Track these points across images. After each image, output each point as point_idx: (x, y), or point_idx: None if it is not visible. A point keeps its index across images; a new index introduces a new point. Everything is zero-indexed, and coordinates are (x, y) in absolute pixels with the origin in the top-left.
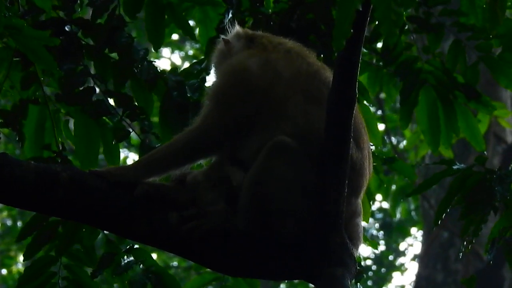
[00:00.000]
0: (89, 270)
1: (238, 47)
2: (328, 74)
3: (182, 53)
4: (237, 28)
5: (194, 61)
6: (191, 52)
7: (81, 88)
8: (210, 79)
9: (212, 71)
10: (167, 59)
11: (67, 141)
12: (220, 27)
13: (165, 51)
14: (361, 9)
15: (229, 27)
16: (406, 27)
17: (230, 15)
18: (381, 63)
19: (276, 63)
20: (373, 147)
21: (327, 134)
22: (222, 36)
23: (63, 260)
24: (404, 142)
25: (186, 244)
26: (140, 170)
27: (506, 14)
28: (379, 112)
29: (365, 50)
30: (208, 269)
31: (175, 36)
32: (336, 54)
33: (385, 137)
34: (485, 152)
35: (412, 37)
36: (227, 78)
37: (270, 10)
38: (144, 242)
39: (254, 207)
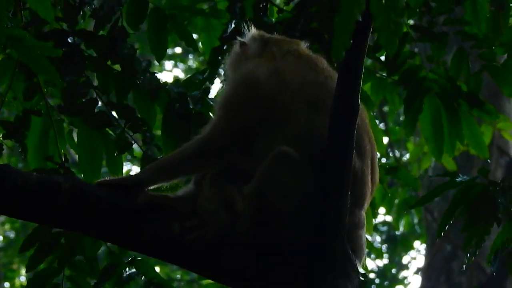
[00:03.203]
0: (92, 282)
1: (253, 50)
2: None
3: (185, 66)
4: (253, 30)
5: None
6: (194, 65)
7: (83, 100)
8: (214, 89)
9: (225, 75)
10: (169, 72)
11: (70, 153)
12: (224, 37)
13: (168, 64)
14: (361, 19)
15: (246, 29)
16: (410, 36)
17: (234, 25)
18: (384, 72)
19: (284, 72)
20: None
21: (330, 143)
22: (239, 38)
23: (66, 271)
24: (408, 155)
25: (189, 255)
26: (148, 175)
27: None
28: (382, 125)
29: (368, 60)
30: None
31: (178, 49)
32: (337, 64)
33: (389, 150)
34: (488, 161)
35: (416, 49)
36: (237, 87)
37: (273, 20)
38: (146, 253)
39: (256, 217)
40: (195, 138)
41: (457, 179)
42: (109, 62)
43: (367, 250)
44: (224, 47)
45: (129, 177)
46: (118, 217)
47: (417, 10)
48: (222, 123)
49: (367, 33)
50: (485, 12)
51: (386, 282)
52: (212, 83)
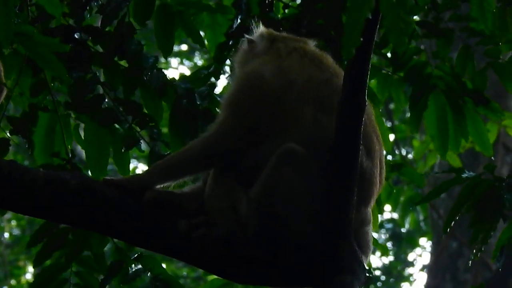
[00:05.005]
0: (100, 277)
1: (260, 47)
2: (341, 81)
3: (191, 64)
4: (262, 28)
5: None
6: (200, 63)
7: (90, 96)
8: (220, 85)
9: (232, 72)
10: (175, 70)
11: (77, 149)
12: (229, 33)
13: (174, 62)
14: (370, 17)
15: (254, 27)
16: (416, 32)
17: (239, 21)
18: (390, 69)
19: (288, 70)
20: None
21: (336, 142)
22: (247, 36)
23: (74, 267)
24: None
25: (195, 252)
26: (155, 175)
27: None
28: (389, 124)
29: (374, 56)
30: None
31: (184, 47)
32: (345, 62)
33: (395, 148)
34: (492, 158)
35: (422, 45)
36: (241, 86)
37: (279, 16)
38: (152, 249)
39: (262, 214)
40: (201, 137)
41: (463, 175)
42: (116, 58)
43: (372, 247)
44: (230, 43)
45: (134, 178)
46: (124, 213)
47: (423, 6)
48: (228, 122)
49: (374, 30)
50: (491, 8)
51: (391, 279)
52: (217, 78)
